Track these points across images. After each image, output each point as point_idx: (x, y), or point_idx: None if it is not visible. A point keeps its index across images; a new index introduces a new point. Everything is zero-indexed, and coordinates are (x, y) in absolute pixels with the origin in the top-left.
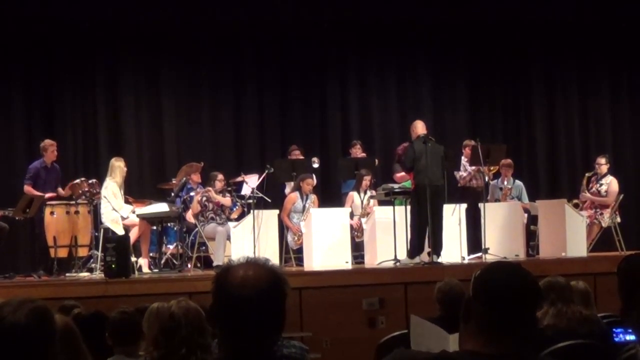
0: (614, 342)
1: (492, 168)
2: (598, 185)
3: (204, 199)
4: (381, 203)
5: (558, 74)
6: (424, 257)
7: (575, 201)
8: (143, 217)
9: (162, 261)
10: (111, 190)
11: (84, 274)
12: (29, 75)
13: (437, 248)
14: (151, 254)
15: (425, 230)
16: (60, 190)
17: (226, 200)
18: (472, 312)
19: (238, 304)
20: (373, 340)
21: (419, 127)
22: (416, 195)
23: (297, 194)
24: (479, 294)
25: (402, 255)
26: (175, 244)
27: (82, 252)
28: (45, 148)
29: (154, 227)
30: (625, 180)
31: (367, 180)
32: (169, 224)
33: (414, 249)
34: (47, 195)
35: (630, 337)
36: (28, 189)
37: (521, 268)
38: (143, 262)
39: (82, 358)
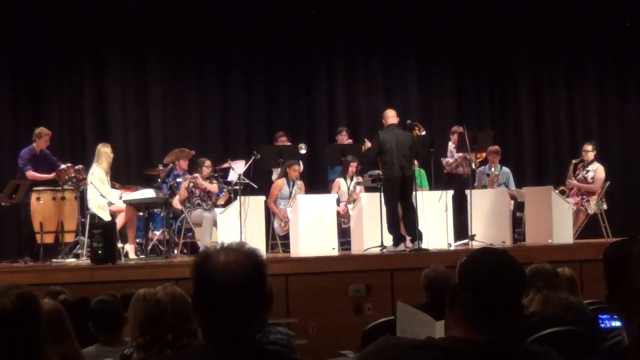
0: (600, 329)
1: (479, 155)
2: (584, 172)
3: (191, 185)
4: (368, 189)
5: (544, 61)
6: (409, 243)
7: (562, 188)
8: (130, 203)
9: (149, 247)
10: (98, 177)
11: (70, 260)
12: (14, 62)
13: (419, 235)
14: (137, 240)
15: (397, 219)
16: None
17: (213, 187)
18: (458, 298)
19: (222, 289)
20: (359, 327)
21: (390, 116)
22: (385, 186)
23: (283, 180)
24: (464, 280)
25: (389, 242)
26: (161, 230)
27: (69, 238)
28: (40, 135)
29: (141, 213)
30: (611, 167)
31: (353, 167)
32: (155, 210)
33: (395, 239)
34: (52, 174)
35: (616, 324)
36: (31, 174)
37: (507, 254)
38: (129, 248)
39: (69, 342)
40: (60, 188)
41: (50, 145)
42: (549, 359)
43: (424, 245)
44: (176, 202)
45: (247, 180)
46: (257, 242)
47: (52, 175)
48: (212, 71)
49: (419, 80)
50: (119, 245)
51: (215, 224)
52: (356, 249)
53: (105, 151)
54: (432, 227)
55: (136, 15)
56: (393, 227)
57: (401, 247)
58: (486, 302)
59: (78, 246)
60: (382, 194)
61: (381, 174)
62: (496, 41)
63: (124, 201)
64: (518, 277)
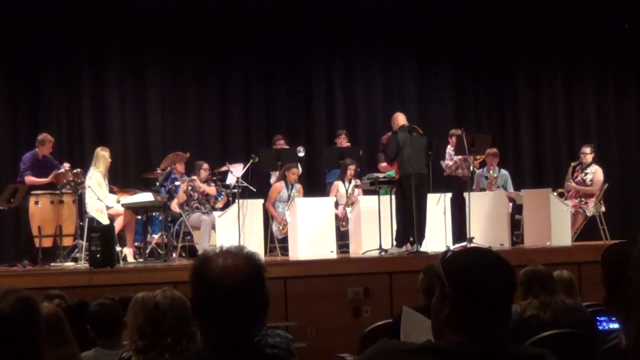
0: (598, 331)
1: (478, 157)
2: (583, 174)
3: (190, 188)
4: (366, 192)
5: (543, 63)
6: (408, 245)
7: (560, 190)
8: (128, 207)
9: (147, 251)
10: (95, 180)
11: (69, 264)
12: (13, 65)
13: (420, 237)
14: (136, 244)
15: (411, 219)
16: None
17: (211, 189)
18: (450, 304)
19: (221, 293)
20: (358, 330)
21: (400, 119)
22: (401, 184)
23: (282, 183)
24: (455, 285)
25: (387, 244)
26: (160, 233)
27: (67, 241)
28: (43, 142)
29: (139, 217)
30: (609, 170)
31: (351, 170)
32: (153, 214)
33: (402, 238)
34: (50, 177)
35: (614, 326)
36: (30, 179)
37: (492, 252)
38: (128, 251)
39: (68, 346)
40: (58, 192)
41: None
42: None
43: (422, 248)
44: (174, 206)
45: (245, 184)
46: (255, 245)
47: (49, 178)
48: (210, 74)
49: (418, 83)
50: (118, 248)
51: (213, 227)
52: (354, 251)
53: (103, 155)
54: (431, 230)
55: (135, 19)
56: (402, 226)
57: (404, 248)
58: (479, 305)
59: (76, 250)
60: (391, 195)
61: (380, 176)
62: (495, 44)
63: (123, 205)
64: (509, 276)
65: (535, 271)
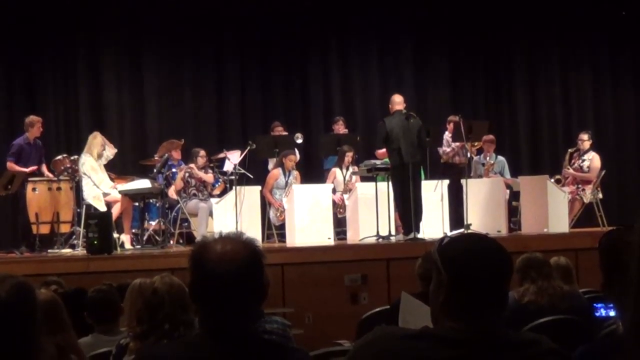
0: (595, 317)
1: (475, 144)
2: (580, 161)
3: (187, 175)
4: (363, 179)
5: (539, 49)
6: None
7: (557, 177)
8: (125, 194)
9: (145, 237)
10: (90, 165)
11: (66, 251)
12: (10, 51)
13: (416, 224)
14: (133, 231)
15: (409, 206)
16: (44, 167)
17: (208, 177)
18: (446, 290)
19: (218, 279)
20: (355, 316)
21: (397, 102)
22: (395, 172)
23: (279, 170)
24: (451, 270)
25: (384, 231)
26: (157, 220)
27: (64, 228)
28: (31, 124)
29: (136, 204)
30: (607, 156)
31: (349, 157)
32: (151, 201)
33: (408, 226)
34: (29, 169)
35: (611, 313)
36: (10, 165)
37: (487, 237)
38: (125, 238)
39: (65, 332)
40: (56, 179)
41: (45, 134)
42: (544, 346)
43: (420, 235)
44: (172, 192)
45: (242, 170)
46: (252, 232)
47: (27, 170)
48: (207, 61)
49: (414, 69)
50: (115, 235)
51: (211, 214)
52: (352, 238)
53: (95, 140)
54: (428, 217)
55: (132, 6)
56: (404, 216)
57: (411, 236)
58: (474, 291)
59: (74, 236)
60: (389, 182)
61: (378, 163)
62: (491, 30)
63: (120, 191)
64: (504, 262)
65: (531, 258)
